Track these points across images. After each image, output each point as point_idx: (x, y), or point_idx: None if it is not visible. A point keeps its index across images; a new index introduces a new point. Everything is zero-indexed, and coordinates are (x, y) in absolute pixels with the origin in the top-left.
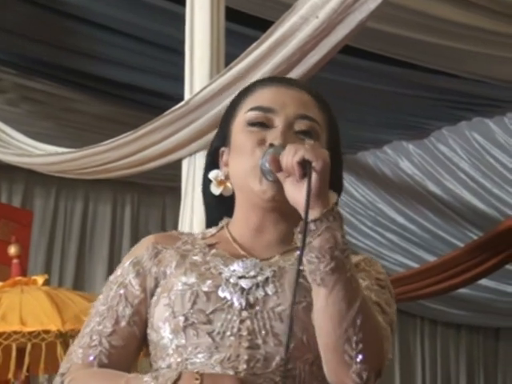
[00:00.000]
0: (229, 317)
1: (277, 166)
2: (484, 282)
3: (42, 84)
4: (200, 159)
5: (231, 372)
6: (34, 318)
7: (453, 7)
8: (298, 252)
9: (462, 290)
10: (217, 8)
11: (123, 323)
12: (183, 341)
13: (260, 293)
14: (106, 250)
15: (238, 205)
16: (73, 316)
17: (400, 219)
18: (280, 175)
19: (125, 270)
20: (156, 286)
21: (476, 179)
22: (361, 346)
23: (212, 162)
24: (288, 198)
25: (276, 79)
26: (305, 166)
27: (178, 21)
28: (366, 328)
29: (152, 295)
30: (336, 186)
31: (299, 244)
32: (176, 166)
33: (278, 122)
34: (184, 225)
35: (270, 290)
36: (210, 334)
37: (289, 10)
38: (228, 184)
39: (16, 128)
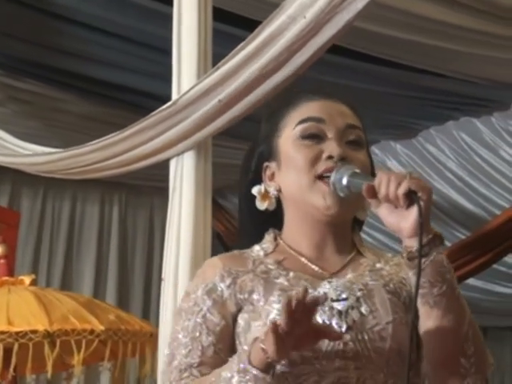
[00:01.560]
0: (332, 341)
1: (372, 193)
2: (471, 281)
3: (29, 84)
4: (188, 159)
5: None
6: (21, 318)
7: (440, 7)
8: (368, 266)
9: None
10: (204, 8)
11: (210, 353)
12: (287, 368)
13: (356, 314)
14: (93, 250)
15: (292, 219)
16: (60, 316)
17: None
18: (372, 202)
19: (199, 299)
20: (239, 310)
21: (463, 179)
22: (474, 358)
23: (254, 178)
24: (385, 222)
25: (317, 92)
26: (410, 197)
27: (166, 21)
28: (476, 340)
29: (234, 320)
30: None
31: (413, 276)
32: (164, 166)
33: (331, 133)
34: (172, 225)
35: (364, 310)
36: (316, 358)
37: (276, 10)
38: (272, 198)
39: (3, 128)
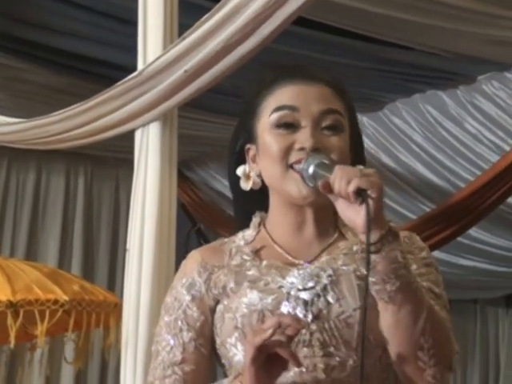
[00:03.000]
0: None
1: (328, 189)
2: (436, 254)
3: None
4: (153, 130)
5: (312, 382)
6: None
7: None
8: (346, 246)
9: None
10: None
11: (191, 349)
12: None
13: (322, 303)
14: (58, 222)
15: (273, 203)
16: (24, 286)
17: None
18: (331, 196)
19: (179, 294)
20: (216, 303)
21: (429, 152)
22: (432, 351)
23: (238, 159)
24: (342, 216)
25: (295, 75)
26: (360, 194)
27: None
28: (435, 332)
29: (213, 313)
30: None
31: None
32: (130, 137)
33: (305, 122)
34: (137, 196)
35: (330, 298)
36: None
37: None
38: (256, 178)
39: None
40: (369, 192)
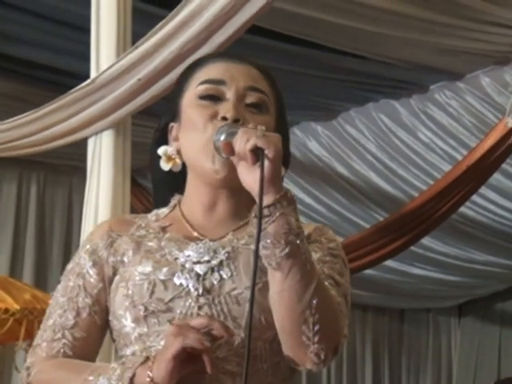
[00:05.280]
0: (187, 303)
1: (230, 150)
2: (389, 263)
3: None
4: (106, 138)
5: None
6: None
7: None
8: (252, 230)
9: (368, 271)
10: None
11: (84, 314)
12: (145, 329)
13: (215, 277)
14: (10, 230)
15: (189, 181)
16: None
17: (307, 200)
18: (233, 159)
19: (81, 259)
20: (114, 274)
21: (382, 161)
22: (317, 327)
23: (160, 138)
24: (241, 181)
25: (225, 55)
26: (257, 153)
27: None
28: (322, 309)
29: (110, 283)
30: (285, 160)
31: (254, 229)
32: (83, 144)
33: (229, 94)
34: (89, 204)
35: (225, 273)
36: (170, 321)
37: None
38: (177, 160)
39: None
40: (266, 152)
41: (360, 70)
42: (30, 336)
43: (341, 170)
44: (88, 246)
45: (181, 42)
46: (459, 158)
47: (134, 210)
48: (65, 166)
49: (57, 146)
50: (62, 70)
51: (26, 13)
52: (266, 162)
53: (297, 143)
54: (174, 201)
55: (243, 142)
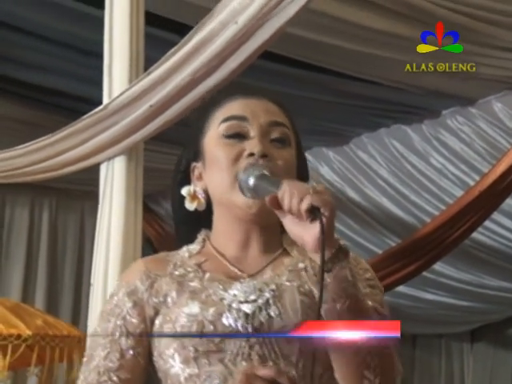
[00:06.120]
0: (238, 343)
1: (275, 204)
2: (401, 288)
3: None
4: (118, 164)
5: None
6: None
7: (374, 14)
8: (289, 263)
9: None
10: (136, 12)
11: (128, 356)
12: (196, 370)
13: (264, 316)
14: (23, 255)
15: (218, 219)
16: None
17: None
18: (278, 212)
19: (120, 300)
20: (156, 314)
21: (394, 186)
22: (378, 369)
23: (183, 179)
24: (290, 233)
25: (241, 91)
26: (312, 211)
27: (97, 24)
28: (379, 349)
29: (152, 324)
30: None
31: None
32: (95, 170)
33: (253, 131)
34: (102, 230)
35: (272, 312)
36: (221, 360)
37: (208, 15)
38: (202, 199)
39: None
40: (322, 210)
41: (372, 96)
42: (42, 362)
43: (352, 195)
44: (126, 287)
45: (193, 68)
46: (471, 183)
47: (145, 236)
48: (77, 191)
49: (69, 172)
50: (75, 96)
51: (38, 38)
52: (323, 220)
53: (309, 169)
54: (201, 236)
55: (295, 200)
